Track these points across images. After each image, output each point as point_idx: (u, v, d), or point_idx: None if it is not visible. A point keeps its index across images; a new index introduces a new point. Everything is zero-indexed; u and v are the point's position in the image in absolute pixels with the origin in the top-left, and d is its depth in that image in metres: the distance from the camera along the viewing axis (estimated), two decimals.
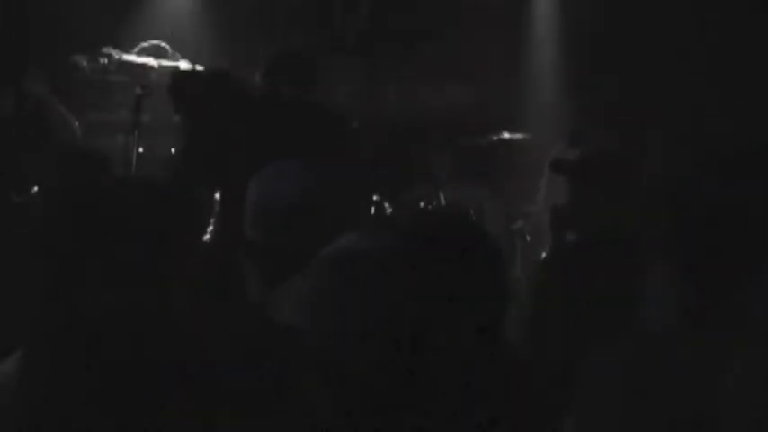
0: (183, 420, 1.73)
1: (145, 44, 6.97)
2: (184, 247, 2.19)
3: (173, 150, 6.58)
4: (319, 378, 2.01)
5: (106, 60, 6.80)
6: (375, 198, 6.49)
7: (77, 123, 6.31)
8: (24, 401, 1.75)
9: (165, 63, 6.88)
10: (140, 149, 5.94)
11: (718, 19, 7.32)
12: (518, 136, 7.27)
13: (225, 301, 2.67)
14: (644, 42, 7.47)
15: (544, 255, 4.39)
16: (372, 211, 6.39)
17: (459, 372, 2.09)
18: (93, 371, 1.70)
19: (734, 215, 2.08)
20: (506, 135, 7.22)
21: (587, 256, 3.77)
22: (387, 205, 6.54)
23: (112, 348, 1.72)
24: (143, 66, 6.59)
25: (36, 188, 5.02)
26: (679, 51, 7.36)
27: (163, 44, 7.03)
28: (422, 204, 6.81)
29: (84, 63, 6.84)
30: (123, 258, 2.08)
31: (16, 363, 1.89)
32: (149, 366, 1.73)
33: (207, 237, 4.63)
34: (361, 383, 1.96)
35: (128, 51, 6.88)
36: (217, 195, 5.22)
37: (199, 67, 6.74)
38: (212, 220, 4.75)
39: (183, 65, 6.99)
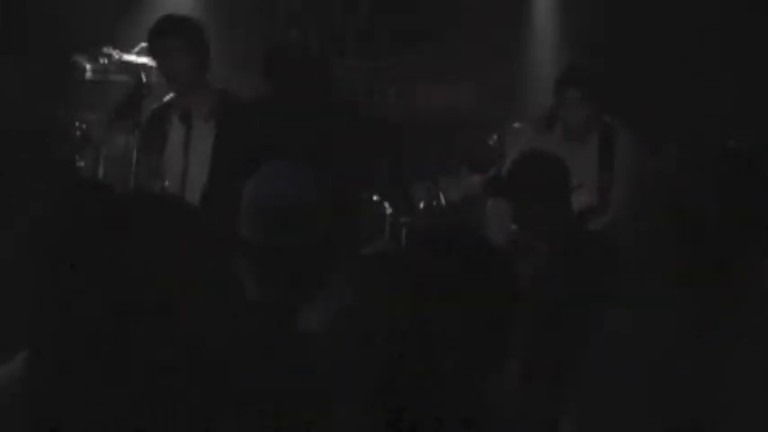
0: (185, 421, 1.73)
1: (145, 44, 6.96)
2: (184, 247, 2.19)
3: None
4: (335, 379, 2.01)
5: (106, 60, 6.79)
6: (375, 198, 6.48)
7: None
8: (29, 403, 1.75)
9: None
10: None
11: (719, 19, 7.31)
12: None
13: (225, 301, 2.67)
14: (644, 43, 7.46)
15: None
16: (372, 211, 6.38)
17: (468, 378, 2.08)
18: (96, 372, 1.70)
19: (731, 217, 2.08)
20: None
21: (557, 259, 3.82)
22: (387, 205, 6.53)
23: (114, 350, 1.72)
24: (143, 66, 6.57)
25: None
26: (680, 51, 7.35)
27: None
28: (422, 205, 6.80)
29: (85, 63, 6.83)
30: (124, 260, 2.08)
31: (18, 365, 1.88)
32: (150, 367, 1.72)
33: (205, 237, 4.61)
34: (374, 383, 1.96)
35: (128, 51, 6.87)
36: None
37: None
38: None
39: None
